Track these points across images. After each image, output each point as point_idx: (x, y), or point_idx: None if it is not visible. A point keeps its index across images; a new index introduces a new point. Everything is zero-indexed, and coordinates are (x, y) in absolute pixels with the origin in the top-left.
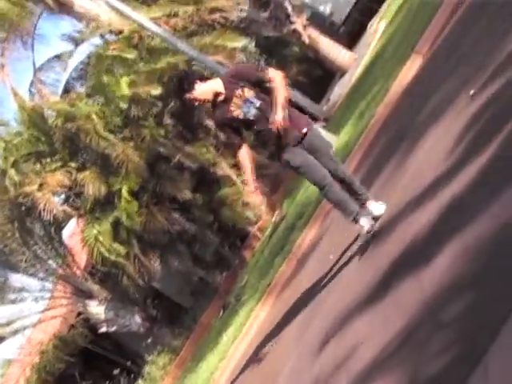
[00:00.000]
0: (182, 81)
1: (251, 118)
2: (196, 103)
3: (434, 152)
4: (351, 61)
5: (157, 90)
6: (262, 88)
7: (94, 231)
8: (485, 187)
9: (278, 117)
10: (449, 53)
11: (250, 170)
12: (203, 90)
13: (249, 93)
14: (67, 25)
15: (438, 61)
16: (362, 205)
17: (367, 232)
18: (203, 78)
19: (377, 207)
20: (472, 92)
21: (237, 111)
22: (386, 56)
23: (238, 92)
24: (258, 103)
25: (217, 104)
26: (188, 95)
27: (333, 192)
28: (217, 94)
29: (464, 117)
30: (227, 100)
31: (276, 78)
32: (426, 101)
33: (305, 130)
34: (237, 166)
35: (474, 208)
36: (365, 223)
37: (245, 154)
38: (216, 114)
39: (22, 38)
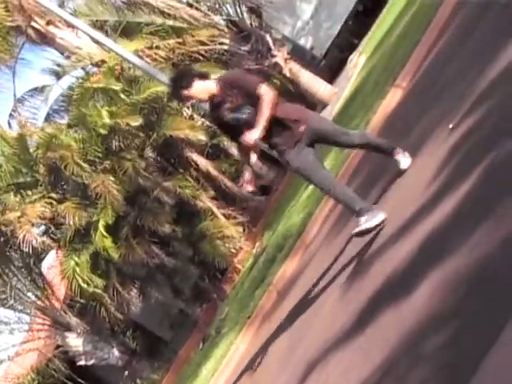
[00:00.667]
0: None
1: (240, 125)
2: (190, 101)
3: (414, 185)
4: (332, 94)
5: (137, 122)
6: (253, 101)
7: (73, 263)
8: (464, 219)
9: (251, 136)
10: (429, 85)
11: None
12: (199, 89)
13: (240, 101)
14: (49, 56)
15: (419, 94)
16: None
17: (358, 232)
18: (202, 76)
19: (404, 160)
20: (451, 125)
21: (228, 116)
22: (366, 90)
23: (231, 98)
24: (246, 114)
25: (213, 104)
26: (184, 92)
27: (335, 193)
28: (212, 96)
29: (443, 150)
30: (221, 103)
31: (265, 96)
32: (407, 134)
33: (302, 129)
34: (216, 199)
35: (454, 240)
36: (363, 222)
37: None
38: (212, 113)
39: (2, 69)
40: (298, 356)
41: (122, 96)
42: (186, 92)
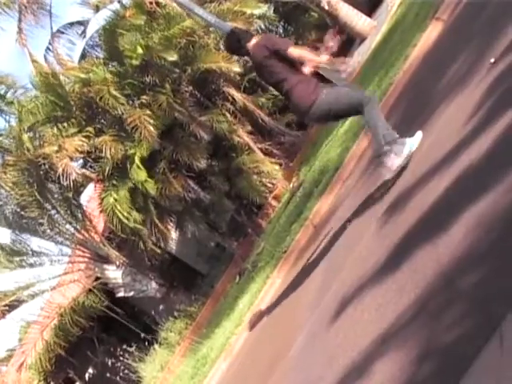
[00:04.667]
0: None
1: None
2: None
3: (453, 120)
4: (371, 28)
5: (172, 57)
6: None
7: (112, 199)
8: (502, 157)
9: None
10: (470, 19)
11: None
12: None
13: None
14: None
15: (459, 28)
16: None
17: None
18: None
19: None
20: (493, 60)
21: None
22: (405, 23)
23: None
24: None
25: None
26: (248, 45)
27: (371, 112)
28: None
29: (484, 85)
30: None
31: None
32: (446, 68)
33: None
34: (253, 134)
35: (491, 177)
36: (390, 164)
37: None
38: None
39: (39, 3)
40: (332, 291)
41: (157, 31)
42: (249, 45)
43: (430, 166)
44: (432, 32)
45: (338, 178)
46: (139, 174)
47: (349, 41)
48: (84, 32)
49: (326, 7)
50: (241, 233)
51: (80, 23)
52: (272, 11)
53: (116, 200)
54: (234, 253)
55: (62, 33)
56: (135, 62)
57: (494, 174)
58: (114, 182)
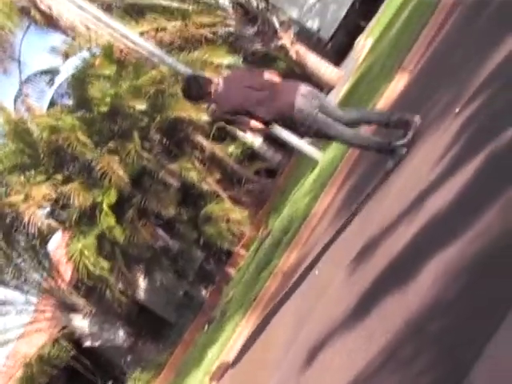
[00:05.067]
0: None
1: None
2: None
3: (421, 167)
4: (338, 77)
5: (141, 105)
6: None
7: (79, 245)
8: (469, 203)
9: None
10: (435, 69)
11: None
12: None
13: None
14: (54, 39)
15: (425, 77)
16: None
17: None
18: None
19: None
20: (457, 110)
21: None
22: (372, 73)
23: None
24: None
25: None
26: (207, 90)
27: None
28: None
29: (449, 134)
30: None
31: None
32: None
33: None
34: (222, 182)
35: (458, 224)
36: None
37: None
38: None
39: (8, 51)
40: (303, 337)
41: (126, 79)
42: (207, 90)
43: (398, 211)
44: (398, 82)
45: (306, 225)
46: (107, 221)
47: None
48: (53, 80)
49: (294, 57)
50: (209, 281)
51: (49, 71)
52: (241, 61)
53: (83, 246)
54: (202, 301)
55: (31, 81)
56: (103, 109)
57: (461, 221)
58: (82, 228)
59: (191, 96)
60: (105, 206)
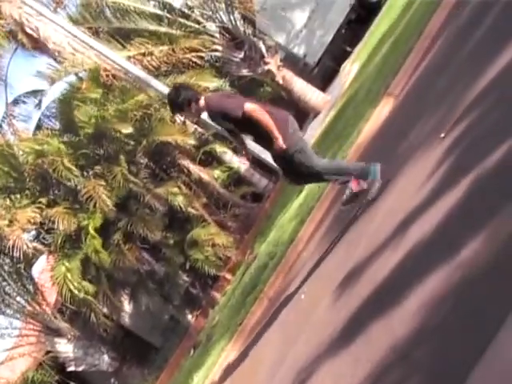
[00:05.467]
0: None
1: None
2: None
3: (406, 192)
4: (324, 102)
5: (127, 129)
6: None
7: (63, 268)
8: (454, 229)
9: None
10: (421, 94)
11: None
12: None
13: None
14: (41, 62)
15: (410, 102)
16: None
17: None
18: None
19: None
20: (443, 135)
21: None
22: (358, 98)
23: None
24: None
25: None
26: (194, 107)
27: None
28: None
29: (435, 158)
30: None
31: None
32: (398, 142)
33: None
34: (208, 206)
35: (443, 250)
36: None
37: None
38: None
39: None
40: (288, 363)
41: (112, 103)
42: (195, 106)
43: (383, 237)
44: (384, 107)
45: (292, 250)
46: (93, 245)
47: (303, 115)
48: (40, 103)
49: (281, 82)
50: (195, 305)
51: (35, 94)
52: (228, 84)
53: (67, 270)
54: (188, 325)
55: (18, 103)
56: (89, 131)
57: (445, 247)
58: (67, 252)
59: (177, 103)
60: (90, 230)
